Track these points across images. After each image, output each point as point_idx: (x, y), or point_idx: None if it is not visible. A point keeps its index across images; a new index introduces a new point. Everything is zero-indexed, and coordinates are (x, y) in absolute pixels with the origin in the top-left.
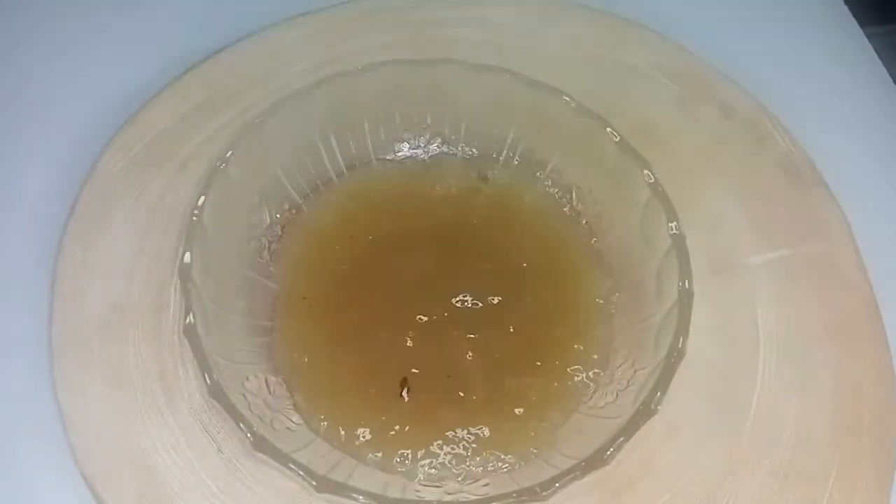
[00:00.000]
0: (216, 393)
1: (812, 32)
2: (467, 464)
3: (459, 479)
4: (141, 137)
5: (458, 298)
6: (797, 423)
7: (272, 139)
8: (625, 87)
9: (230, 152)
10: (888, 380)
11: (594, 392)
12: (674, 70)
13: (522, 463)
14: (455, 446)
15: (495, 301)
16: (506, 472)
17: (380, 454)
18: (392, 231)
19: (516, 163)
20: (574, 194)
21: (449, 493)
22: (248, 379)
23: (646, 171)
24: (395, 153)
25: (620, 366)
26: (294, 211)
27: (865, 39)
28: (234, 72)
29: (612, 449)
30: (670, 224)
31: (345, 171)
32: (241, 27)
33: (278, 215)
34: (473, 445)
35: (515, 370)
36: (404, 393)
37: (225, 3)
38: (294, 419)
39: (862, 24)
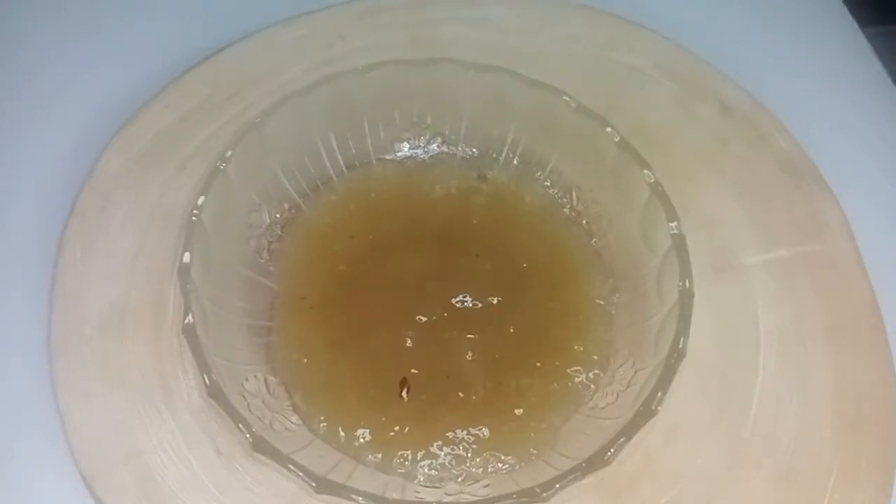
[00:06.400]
0: (215, 393)
1: (812, 32)
2: (467, 465)
3: (459, 479)
4: (141, 137)
5: (457, 298)
6: (798, 423)
7: (272, 139)
8: (625, 87)
9: (230, 152)
10: (888, 380)
11: (594, 393)
12: (674, 70)
13: (522, 464)
14: (455, 447)
15: (495, 301)
16: (506, 472)
17: (379, 455)
18: (392, 231)
19: (516, 163)
20: (574, 194)
21: (449, 494)
22: (247, 379)
23: (646, 171)
24: (395, 153)
25: (621, 366)
26: (294, 211)
27: (865, 39)
28: (234, 72)
29: (612, 449)
30: (670, 224)
31: (345, 171)
32: (241, 27)
33: (278, 215)
34: (473, 446)
35: (515, 371)
36: (404, 393)
37: (225, 3)
38: (293, 420)
39: (862, 24)
